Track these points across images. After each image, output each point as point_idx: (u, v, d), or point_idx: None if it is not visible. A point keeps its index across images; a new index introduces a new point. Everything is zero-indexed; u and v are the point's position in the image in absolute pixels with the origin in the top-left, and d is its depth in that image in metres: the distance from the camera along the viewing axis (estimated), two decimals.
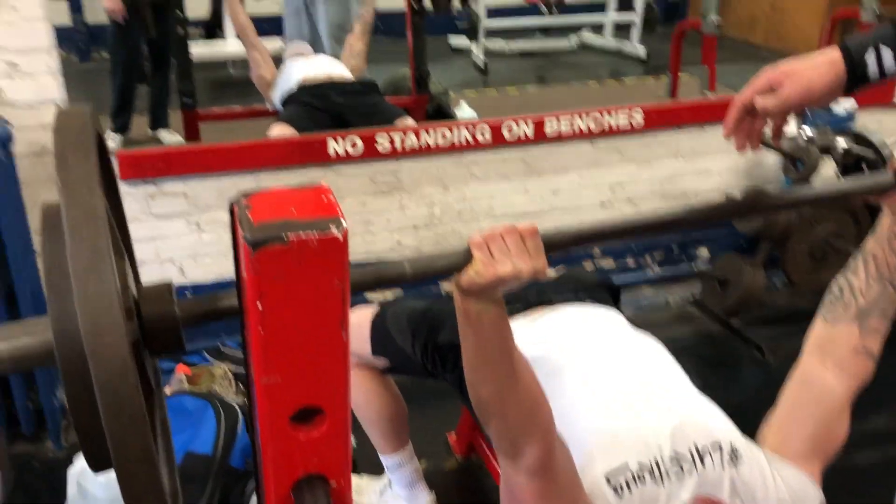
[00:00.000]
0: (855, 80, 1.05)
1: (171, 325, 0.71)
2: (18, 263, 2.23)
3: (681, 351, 1.56)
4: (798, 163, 2.66)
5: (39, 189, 2.37)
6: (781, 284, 3.12)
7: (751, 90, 1.07)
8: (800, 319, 1.51)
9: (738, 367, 2.80)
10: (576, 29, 6.99)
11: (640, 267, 3.10)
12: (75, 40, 6.05)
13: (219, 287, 2.28)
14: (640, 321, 1.67)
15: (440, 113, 4.30)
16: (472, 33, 6.49)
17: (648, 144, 2.89)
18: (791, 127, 2.71)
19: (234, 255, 0.68)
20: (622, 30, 6.90)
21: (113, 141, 4.13)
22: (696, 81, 4.14)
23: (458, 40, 6.79)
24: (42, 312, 0.70)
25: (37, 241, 2.35)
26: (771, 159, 3.04)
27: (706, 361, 2.79)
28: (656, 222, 1.09)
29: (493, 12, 6.48)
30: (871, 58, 1.04)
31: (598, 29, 7.02)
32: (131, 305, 0.70)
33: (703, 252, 3.18)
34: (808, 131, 2.69)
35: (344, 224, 0.62)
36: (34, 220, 2.34)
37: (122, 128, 4.21)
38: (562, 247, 0.97)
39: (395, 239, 2.74)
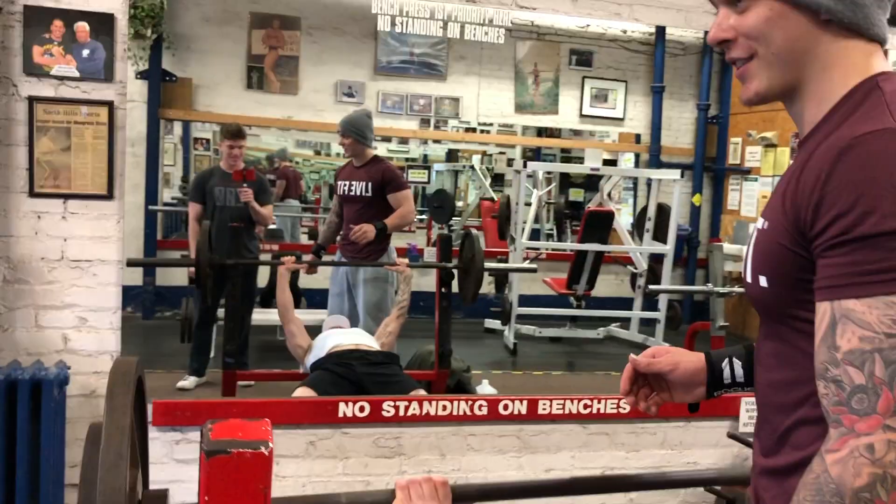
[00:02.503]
0: (714, 381, 1.33)
1: None
2: (48, 495, 2.49)
3: None
4: None
5: (83, 427, 2.69)
6: None
7: (639, 356, 1.34)
8: None
9: None
10: (605, 321, 7.43)
11: None
12: (142, 299, 6.70)
13: None
14: None
15: (460, 388, 4.62)
16: (504, 317, 6.98)
17: (637, 432, 3.11)
18: None
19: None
20: (648, 325, 7.31)
21: (187, 381, 4.83)
22: None
23: (492, 323, 7.27)
24: None
25: (69, 474, 2.62)
26: None
27: None
28: (562, 485, 1.33)
29: (525, 299, 7.00)
30: (726, 366, 1.33)
31: (626, 322, 7.45)
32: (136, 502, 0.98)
33: None
34: None
35: (270, 445, 0.91)
36: (71, 454, 2.63)
37: (196, 371, 4.86)
38: (467, 499, 1.23)
39: None
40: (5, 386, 2.37)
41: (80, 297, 2.62)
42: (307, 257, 5.02)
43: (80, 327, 2.63)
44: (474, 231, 4.35)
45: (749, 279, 1.04)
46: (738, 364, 1.33)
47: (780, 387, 1.03)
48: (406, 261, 4.55)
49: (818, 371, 0.90)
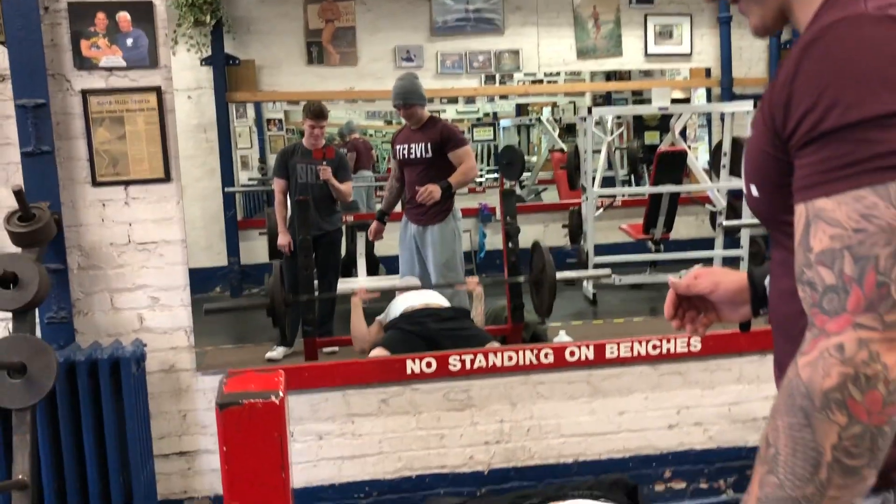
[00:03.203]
0: (757, 299, 1.29)
1: None
2: (138, 466, 2.62)
3: None
4: None
5: (166, 401, 2.83)
6: None
7: (680, 280, 1.32)
8: None
9: None
10: (686, 263, 7.24)
11: (713, 490, 3.12)
12: (230, 278, 6.94)
13: (307, 493, 2.60)
14: None
15: (536, 340, 4.61)
16: (581, 268, 6.89)
17: (711, 370, 3.05)
18: None
19: None
20: (732, 263, 7.09)
21: (276, 352, 4.78)
22: None
23: (569, 274, 7.19)
24: None
25: (157, 446, 2.77)
26: None
27: None
28: None
29: (602, 248, 6.90)
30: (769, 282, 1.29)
31: (708, 263, 7.25)
32: None
33: None
34: None
35: (281, 394, 0.94)
36: (157, 427, 2.77)
37: (284, 342, 4.84)
38: None
39: (467, 454, 2.97)
40: (87, 366, 2.50)
41: (150, 278, 2.74)
42: (374, 225, 5.10)
43: (153, 306, 2.75)
44: (543, 243, 4.18)
45: (745, 189, 1.01)
46: None
47: (785, 296, 1.00)
48: (476, 279, 4.50)
49: (797, 275, 0.86)
